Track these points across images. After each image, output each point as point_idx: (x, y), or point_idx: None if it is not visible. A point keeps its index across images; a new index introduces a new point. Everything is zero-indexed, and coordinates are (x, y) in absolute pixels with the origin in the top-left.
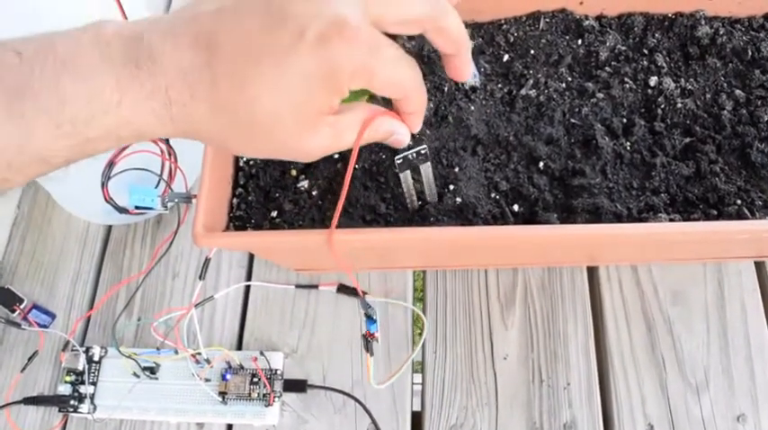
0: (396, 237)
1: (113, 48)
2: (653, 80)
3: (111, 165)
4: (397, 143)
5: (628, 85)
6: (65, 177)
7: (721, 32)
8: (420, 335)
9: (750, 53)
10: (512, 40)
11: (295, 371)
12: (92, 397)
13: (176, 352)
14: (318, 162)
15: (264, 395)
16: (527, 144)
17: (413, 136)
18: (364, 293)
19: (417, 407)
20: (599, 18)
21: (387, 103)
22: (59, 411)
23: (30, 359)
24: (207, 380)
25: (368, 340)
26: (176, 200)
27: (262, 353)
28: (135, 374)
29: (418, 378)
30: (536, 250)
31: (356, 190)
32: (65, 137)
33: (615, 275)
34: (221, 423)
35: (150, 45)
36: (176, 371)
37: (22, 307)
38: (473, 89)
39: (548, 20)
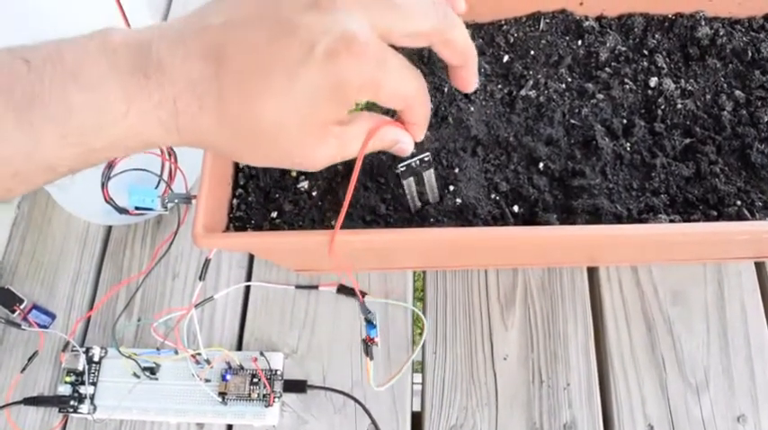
0: (396, 238)
1: (121, 57)
2: (653, 81)
3: (111, 165)
4: (401, 152)
5: (628, 86)
6: (68, 183)
7: (721, 33)
8: (420, 335)
9: (750, 54)
10: (512, 40)
11: (295, 372)
12: (92, 397)
13: (176, 352)
14: None
15: (264, 395)
16: (527, 145)
17: (415, 143)
18: (364, 295)
19: (417, 408)
20: (599, 19)
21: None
22: (59, 411)
23: (30, 359)
24: (207, 381)
25: (368, 345)
26: (176, 200)
27: (262, 354)
28: (135, 375)
29: (418, 378)
30: (536, 251)
31: (356, 191)
32: (72, 146)
33: (615, 276)
34: (221, 423)
35: (159, 55)
36: (176, 372)
37: (22, 307)
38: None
39: (548, 20)
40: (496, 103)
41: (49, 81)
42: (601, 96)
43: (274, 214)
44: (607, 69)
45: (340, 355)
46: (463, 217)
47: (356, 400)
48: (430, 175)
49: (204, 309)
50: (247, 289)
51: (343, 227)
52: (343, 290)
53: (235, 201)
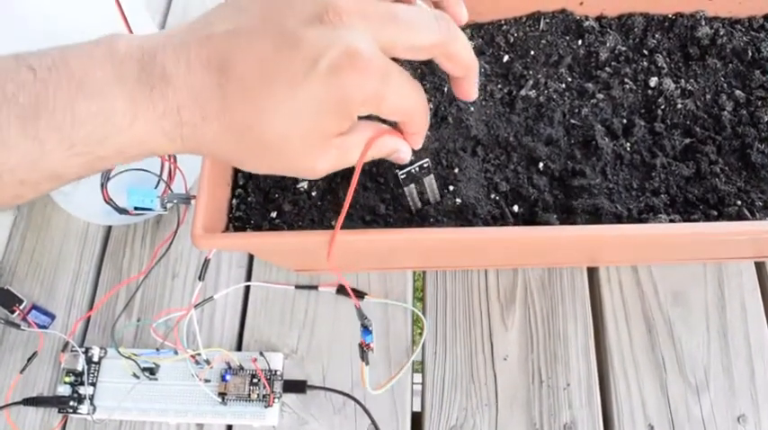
0: (396, 238)
1: (126, 66)
2: (653, 81)
3: None
4: (399, 160)
5: (628, 86)
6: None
7: (721, 33)
8: (420, 335)
9: (750, 53)
10: (512, 40)
11: (295, 372)
12: (91, 398)
13: (176, 352)
14: None
15: (264, 396)
16: (527, 145)
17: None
18: (362, 295)
19: (417, 408)
20: (599, 19)
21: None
22: (59, 412)
23: (29, 360)
24: (206, 381)
25: (364, 350)
26: (175, 200)
27: (261, 354)
28: (134, 375)
29: (418, 378)
30: (536, 251)
31: (356, 191)
32: (77, 155)
33: (615, 276)
34: (221, 424)
35: (163, 65)
36: (176, 372)
37: (21, 307)
38: None
39: (548, 20)
40: (496, 103)
41: (54, 91)
42: (601, 96)
43: (274, 214)
44: (607, 69)
45: (340, 355)
46: (463, 217)
47: (356, 401)
48: (430, 180)
49: (204, 310)
50: (247, 289)
51: (343, 227)
52: (343, 290)
53: (234, 201)
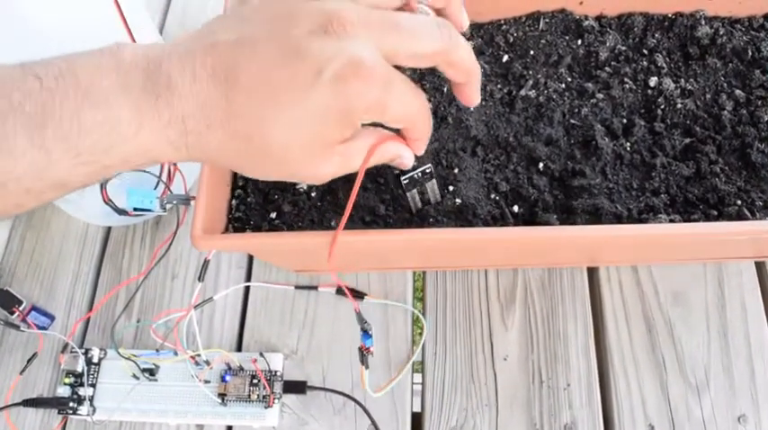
0: (396, 239)
1: (132, 75)
2: (653, 80)
3: None
4: (402, 165)
5: (628, 86)
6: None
7: (721, 32)
8: (420, 335)
9: (750, 53)
10: (511, 40)
11: (295, 373)
12: (91, 399)
13: (176, 353)
14: None
15: (264, 396)
16: (527, 145)
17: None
18: (362, 296)
19: (417, 408)
20: (599, 18)
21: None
22: (59, 413)
23: (29, 361)
24: (206, 382)
25: (363, 354)
26: (175, 201)
27: (261, 355)
28: (134, 376)
29: (418, 378)
30: (536, 251)
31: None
32: (83, 164)
33: (615, 276)
34: (221, 424)
35: (169, 74)
36: (176, 373)
37: (20, 308)
38: None
39: (547, 20)
40: (496, 103)
41: (60, 99)
42: (601, 96)
43: (273, 215)
44: (607, 69)
45: (340, 356)
46: (463, 217)
47: (356, 401)
48: (433, 185)
49: (203, 310)
50: (247, 289)
51: (344, 228)
52: (343, 290)
53: (234, 202)
